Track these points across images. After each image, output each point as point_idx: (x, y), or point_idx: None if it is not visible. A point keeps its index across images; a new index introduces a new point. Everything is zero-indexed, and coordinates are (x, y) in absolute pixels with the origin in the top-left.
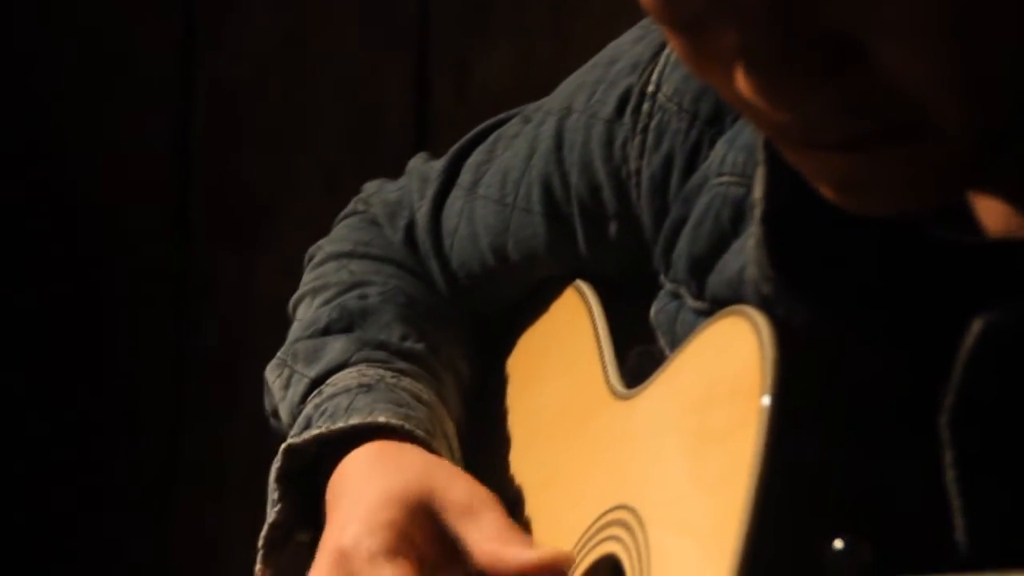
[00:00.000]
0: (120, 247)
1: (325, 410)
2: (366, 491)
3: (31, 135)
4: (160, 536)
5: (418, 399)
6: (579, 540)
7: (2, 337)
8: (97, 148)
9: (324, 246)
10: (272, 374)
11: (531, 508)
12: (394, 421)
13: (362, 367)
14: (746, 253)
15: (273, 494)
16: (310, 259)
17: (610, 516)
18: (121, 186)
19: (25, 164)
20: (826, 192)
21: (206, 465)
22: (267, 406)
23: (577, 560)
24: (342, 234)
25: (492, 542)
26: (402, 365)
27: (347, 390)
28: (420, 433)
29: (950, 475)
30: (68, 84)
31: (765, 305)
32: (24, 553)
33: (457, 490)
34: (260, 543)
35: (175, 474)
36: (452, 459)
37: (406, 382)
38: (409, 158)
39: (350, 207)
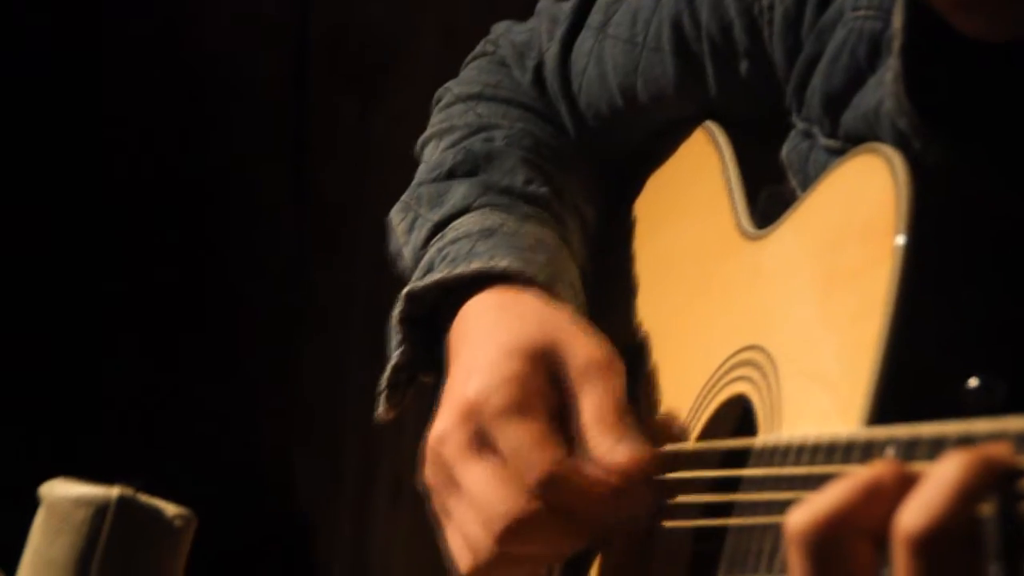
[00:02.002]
0: (240, 94)
1: (447, 255)
2: (488, 340)
3: None
4: (290, 381)
5: (541, 244)
6: (708, 381)
7: (134, 191)
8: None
9: (452, 88)
10: (396, 217)
11: (660, 349)
12: (515, 267)
13: (485, 211)
14: (883, 88)
15: (395, 337)
16: (438, 101)
17: (740, 357)
18: (243, 33)
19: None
20: (949, 13)
21: (331, 310)
22: (391, 248)
23: (707, 400)
24: (470, 76)
25: (593, 420)
26: (525, 210)
27: (469, 235)
28: (541, 279)
29: None
30: None
31: (900, 141)
32: (163, 397)
33: (579, 348)
34: (382, 385)
35: (302, 319)
36: (575, 305)
37: (529, 227)
38: (526, 6)
39: (479, 48)
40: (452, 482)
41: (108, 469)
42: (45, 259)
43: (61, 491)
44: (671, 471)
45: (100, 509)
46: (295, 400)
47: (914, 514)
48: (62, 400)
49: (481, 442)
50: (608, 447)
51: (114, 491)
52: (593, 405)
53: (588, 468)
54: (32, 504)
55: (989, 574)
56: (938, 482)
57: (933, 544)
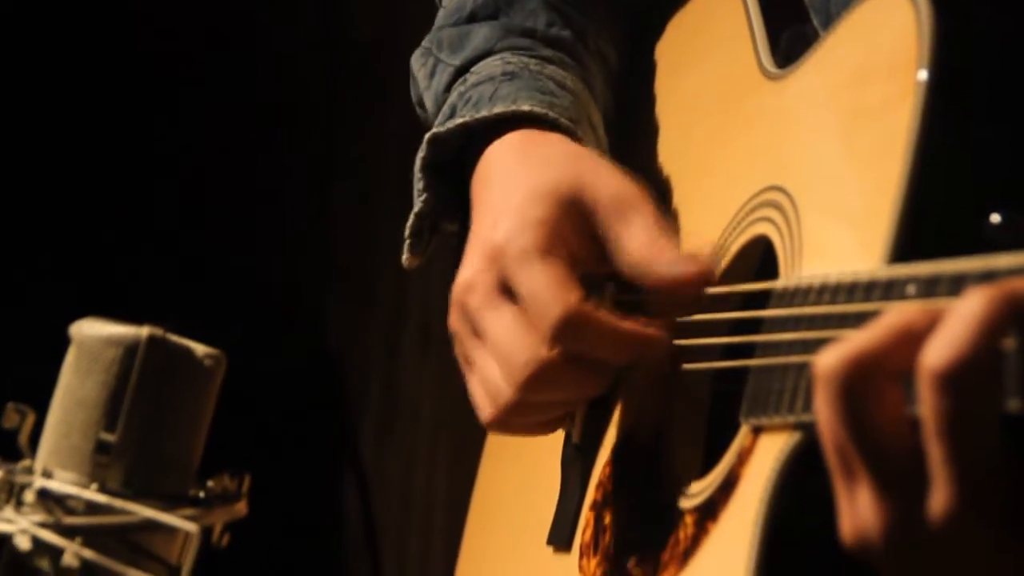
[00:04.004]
0: None
1: (469, 98)
2: (515, 183)
3: None
4: (319, 231)
5: (563, 86)
6: (730, 222)
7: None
8: None
9: None
10: (417, 63)
11: (681, 191)
12: (538, 109)
13: (506, 55)
14: None
15: (418, 184)
16: None
17: (762, 197)
18: None
19: None
20: None
21: (359, 159)
22: (413, 95)
23: (728, 241)
24: None
25: (644, 248)
26: (547, 52)
27: (491, 78)
28: (564, 122)
29: None
30: None
31: None
32: (195, 239)
33: (608, 186)
34: (406, 233)
35: (332, 169)
36: (598, 147)
37: (551, 69)
38: None
39: None
40: (476, 330)
41: (138, 309)
42: (73, 97)
43: (91, 330)
44: (693, 313)
45: (130, 348)
46: (326, 244)
47: (938, 350)
48: (91, 238)
49: (504, 289)
50: (670, 264)
51: (144, 330)
52: (640, 233)
53: (603, 312)
54: (62, 344)
55: (1010, 408)
56: (961, 318)
57: (957, 379)
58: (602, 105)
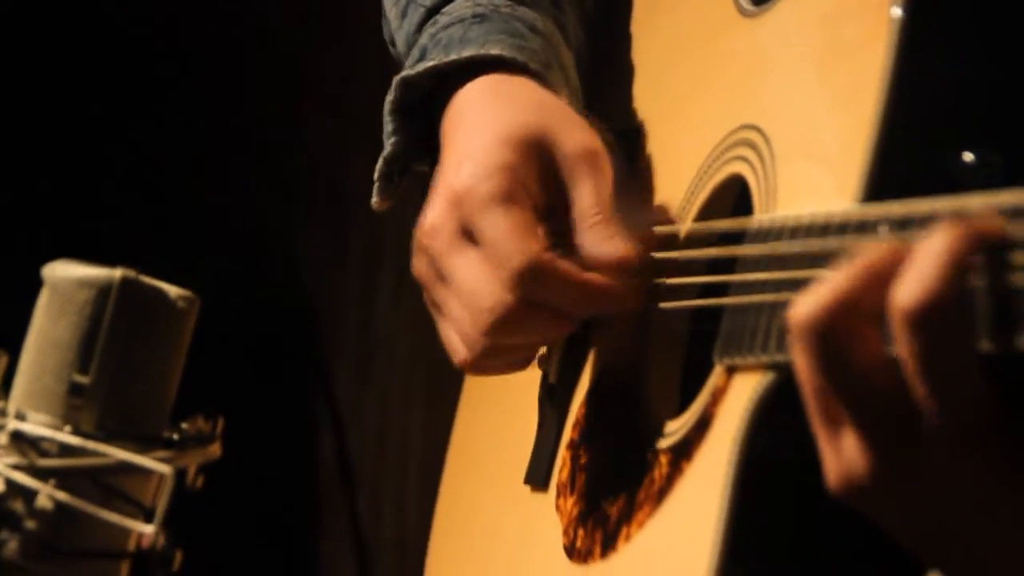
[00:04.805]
0: None
1: (440, 40)
2: (481, 127)
3: None
4: (293, 171)
5: (533, 29)
6: (704, 161)
7: None
8: None
9: None
10: (389, 2)
11: (657, 131)
12: (507, 54)
13: None
14: None
15: (388, 127)
16: None
17: (736, 136)
18: None
19: None
20: None
21: (334, 98)
22: (385, 35)
23: (702, 180)
24: None
25: (583, 213)
26: None
27: (461, 20)
28: (534, 66)
29: None
30: None
31: None
32: (167, 179)
33: (572, 140)
34: (375, 176)
35: (305, 108)
36: (568, 91)
37: (522, 11)
38: None
39: None
40: (441, 275)
41: (112, 251)
42: (39, 39)
43: (64, 272)
44: (668, 251)
45: (103, 290)
46: (300, 184)
47: (907, 288)
48: (63, 181)
49: (467, 234)
50: (594, 241)
51: (117, 272)
52: (583, 198)
53: (565, 263)
54: (35, 286)
55: (981, 346)
56: (927, 255)
57: (929, 316)
58: (575, 46)
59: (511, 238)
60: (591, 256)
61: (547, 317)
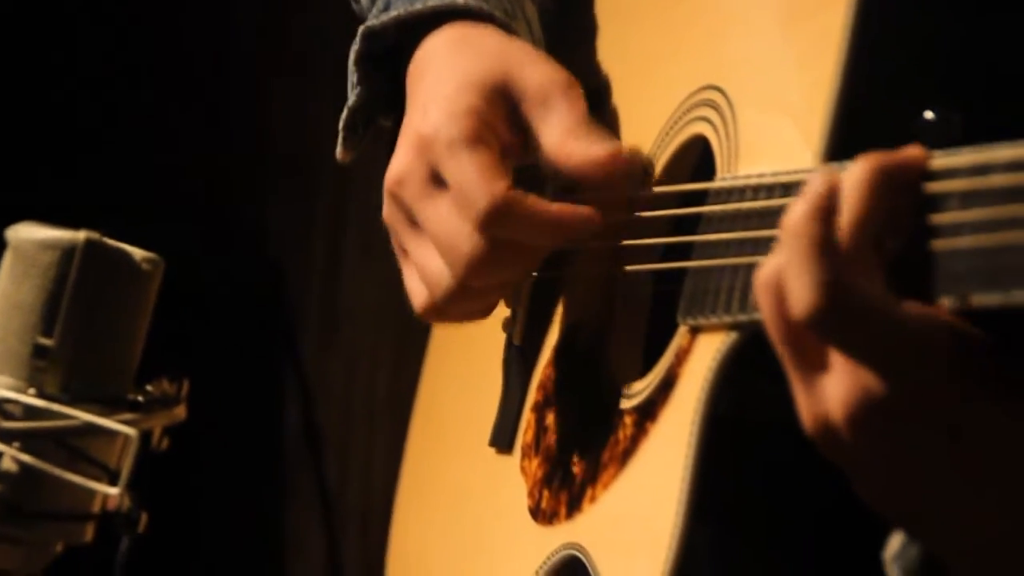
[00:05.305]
0: None
1: None
2: (446, 74)
3: None
4: (259, 131)
5: None
6: (667, 122)
7: None
8: None
9: None
10: None
11: (619, 91)
12: (472, 3)
13: None
14: None
15: (352, 78)
16: None
17: (698, 96)
18: None
19: None
20: None
21: (304, 54)
22: None
23: (665, 140)
24: None
25: (562, 136)
26: None
27: None
28: (499, 15)
29: None
30: None
31: None
32: (133, 142)
33: (535, 76)
34: (340, 127)
35: (271, 67)
36: (532, 41)
37: None
38: None
39: None
40: (410, 221)
41: (76, 214)
42: None
43: (28, 234)
44: (630, 212)
45: (67, 252)
46: (266, 145)
47: (843, 222)
48: (26, 143)
49: (436, 179)
50: (584, 148)
51: (81, 234)
52: (560, 120)
53: (531, 197)
54: None
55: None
56: (853, 182)
57: (862, 243)
58: (538, 2)
59: (478, 180)
60: (583, 163)
61: (519, 253)
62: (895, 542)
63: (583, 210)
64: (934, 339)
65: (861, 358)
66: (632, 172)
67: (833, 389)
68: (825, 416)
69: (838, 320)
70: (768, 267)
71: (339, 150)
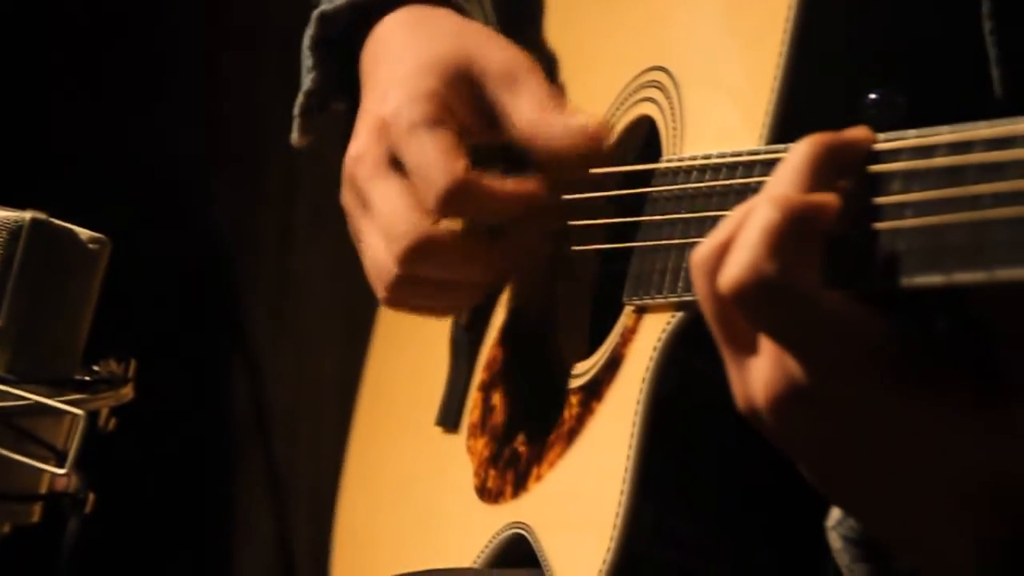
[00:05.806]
0: None
1: None
2: (404, 57)
3: None
4: (207, 109)
5: None
6: (613, 103)
7: None
8: None
9: None
10: None
11: (566, 72)
12: None
13: None
14: None
15: (307, 62)
16: None
17: (644, 78)
18: None
19: None
20: None
21: (251, 28)
22: None
23: (611, 122)
24: None
25: (535, 111)
26: None
27: None
28: None
29: (987, 26)
30: None
31: None
32: (79, 119)
33: (496, 57)
34: (295, 111)
35: (221, 43)
36: (485, 22)
37: None
38: None
39: None
40: (364, 203)
41: (21, 195)
42: None
43: None
44: (577, 192)
45: (13, 233)
46: (215, 123)
47: (770, 192)
48: None
49: (393, 161)
50: (563, 120)
51: (27, 214)
52: (532, 95)
53: (487, 176)
54: None
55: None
56: (796, 160)
57: (792, 227)
58: None
59: (438, 160)
60: (564, 133)
61: (464, 244)
62: (836, 511)
63: (536, 185)
64: (853, 328)
65: (781, 341)
66: (608, 142)
67: (759, 371)
68: (752, 398)
69: (759, 300)
70: (704, 245)
71: (294, 135)
